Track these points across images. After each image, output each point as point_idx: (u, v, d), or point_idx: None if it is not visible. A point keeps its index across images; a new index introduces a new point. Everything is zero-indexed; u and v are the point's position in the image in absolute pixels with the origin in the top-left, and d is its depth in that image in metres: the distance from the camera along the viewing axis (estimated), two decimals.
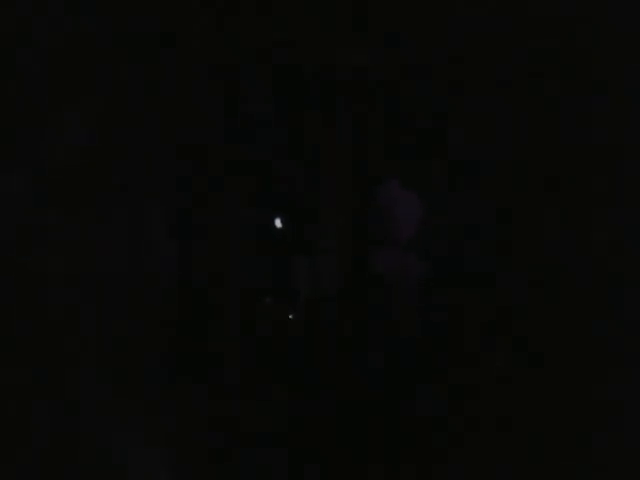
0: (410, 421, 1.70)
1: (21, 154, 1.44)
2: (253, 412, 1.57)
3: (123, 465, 1.40)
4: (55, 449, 1.34)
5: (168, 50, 1.55)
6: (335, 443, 1.65)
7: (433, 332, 1.77)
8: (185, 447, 1.48)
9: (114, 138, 1.50)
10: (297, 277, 1.78)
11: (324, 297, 1.79)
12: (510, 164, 1.53)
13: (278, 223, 1.76)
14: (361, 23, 1.55)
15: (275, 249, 1.78)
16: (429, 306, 1.80)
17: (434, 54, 1.49)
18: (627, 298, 1.32)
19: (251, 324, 1.67)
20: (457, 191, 1.73)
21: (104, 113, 1.50)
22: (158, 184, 1.58)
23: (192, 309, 1.59)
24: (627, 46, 1.29)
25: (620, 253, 1.36)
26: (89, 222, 1.46)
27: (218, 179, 1.65)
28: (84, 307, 1.44)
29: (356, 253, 1.82)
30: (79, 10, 1.48)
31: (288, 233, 1.79)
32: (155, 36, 1.54)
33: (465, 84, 1.47)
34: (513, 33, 1.37)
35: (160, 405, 1.46)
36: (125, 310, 1.48)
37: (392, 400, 1.73)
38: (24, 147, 1.44)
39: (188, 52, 1.59)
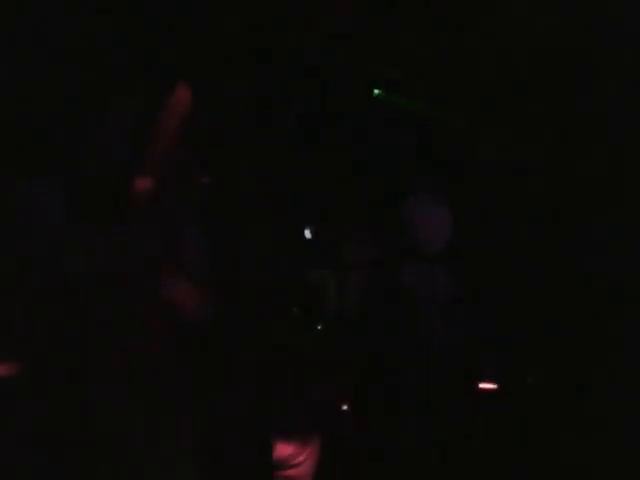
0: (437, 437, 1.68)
1: (56, 169, 1.52)
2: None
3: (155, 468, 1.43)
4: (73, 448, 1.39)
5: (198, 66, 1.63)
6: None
7: (462, 347, 1.76)
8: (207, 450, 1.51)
9: (147, 152, 1.57)
10: (324, 289, 1.81)
11: (352, 310, 1.81)
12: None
13: (307, 234, 1.80)
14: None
15: (304, 260, 1.82)
16: (459, 320, 1.79)
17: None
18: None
19: (274, 332, 1.70)
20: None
21: (138, 128, 1.58)
22: (189, 198, 1.64)
23: (218, 314, 1.63)
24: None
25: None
26: (119, 235, 1.53)
27: (244, 187, 1.70)
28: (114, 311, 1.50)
29: (385, 266, 1.84)
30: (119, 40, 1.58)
31: (316, 245, 1.83)
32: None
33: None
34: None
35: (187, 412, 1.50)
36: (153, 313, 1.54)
37: (422, 415, 1.72)
38: (59, 161, 1.53)
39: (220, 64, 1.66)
